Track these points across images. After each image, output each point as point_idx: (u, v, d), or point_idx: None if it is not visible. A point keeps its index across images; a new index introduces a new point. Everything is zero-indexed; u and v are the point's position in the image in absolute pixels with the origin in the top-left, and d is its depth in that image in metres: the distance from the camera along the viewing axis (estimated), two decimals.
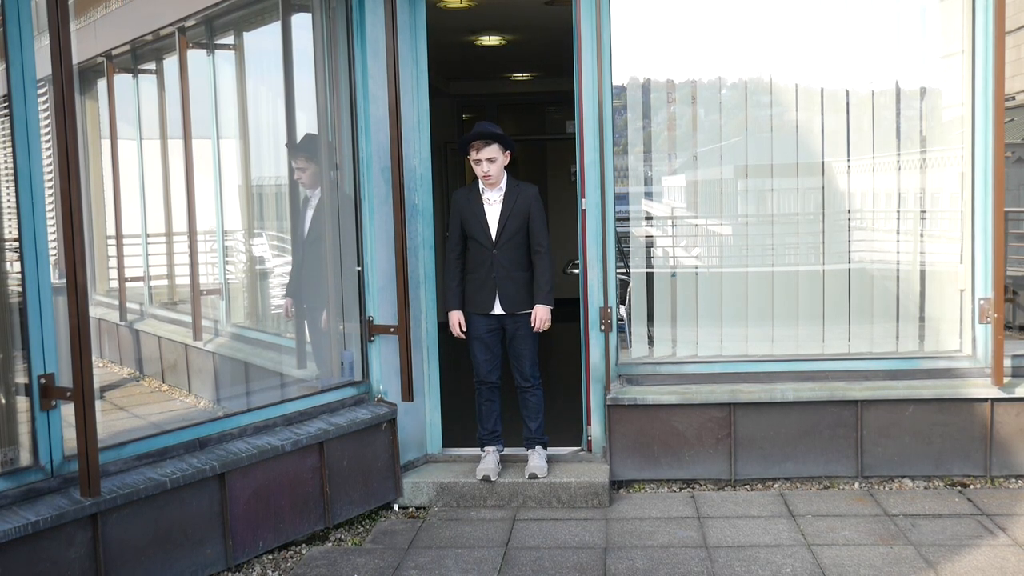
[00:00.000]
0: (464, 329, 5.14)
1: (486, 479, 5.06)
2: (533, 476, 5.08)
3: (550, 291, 5.04)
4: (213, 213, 5.44)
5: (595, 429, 5.37)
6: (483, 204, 5.04)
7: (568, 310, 5.88)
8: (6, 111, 3.51)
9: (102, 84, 5.78)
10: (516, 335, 5.12)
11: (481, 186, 5.05)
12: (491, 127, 4.99)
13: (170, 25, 5.39)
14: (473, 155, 4.95)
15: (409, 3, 5.26)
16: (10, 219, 3.59)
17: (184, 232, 5.46)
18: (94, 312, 4.68)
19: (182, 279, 5.69)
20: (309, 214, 5.22)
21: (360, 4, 5.02)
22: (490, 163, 4.94)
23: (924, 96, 5.53)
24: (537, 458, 5.18)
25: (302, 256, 5.32)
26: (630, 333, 5.63)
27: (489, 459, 5.18)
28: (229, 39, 5.53)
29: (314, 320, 5.31)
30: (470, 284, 5.12)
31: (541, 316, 5.04)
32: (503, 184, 5.04)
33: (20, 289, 3.56)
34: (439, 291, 5.52)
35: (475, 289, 5.09)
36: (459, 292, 5.14)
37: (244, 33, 5.50)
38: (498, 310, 5.07)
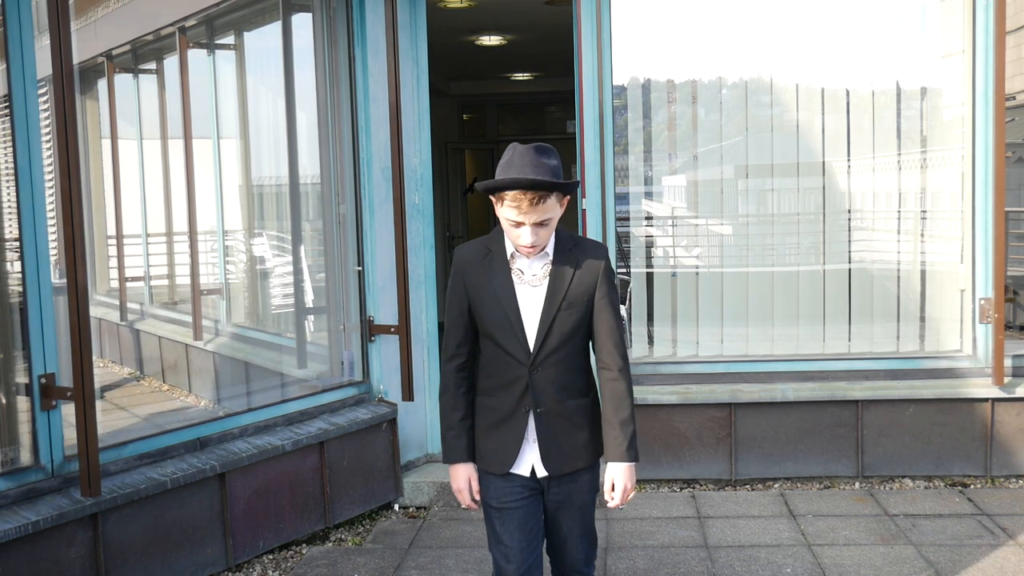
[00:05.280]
0: (476, 497, 2.88)
1: None
2: None
3: (634, 437, 2.79)
4: (213, 213, 5.45)
5: None
6: (512, 281, 2.74)
7: None
8: (6, 111, 3.51)
9: (102, 84, 5.79)
10: (565, 506, 2.86)
11: (509, 248, 2.75)
12: (545, 163, 2.60)
13: (170, 25, 5.40)
14: (512, 213, 2.61)
15: (409, 2, 5.26)
16: (10, 219, 3.60)
17: (184, 232, 5.47)
18: (94, 312, 4.67)
19: (182, 279, 5.70)
20: None
21: (360, 3, 5.02)
22: (540, 228, 2.64)
23: (924, 96, 5.53)
24: None
25: None
26: (630, 333, 5.63)
27: None
28: (229, 39, 5.53)
29: None
30: (484, 417, 2.82)
31: (625, 485, 2.80)
32: (550, 247, 2.75)
33: (20, 289, 3.57)
34: (439, 291, 5.52)
35: (492, 428, 2.81)
36: (466, 432, 2.84)
37: (244, 33, 5.51)
38: (536, 469, 2.80)
